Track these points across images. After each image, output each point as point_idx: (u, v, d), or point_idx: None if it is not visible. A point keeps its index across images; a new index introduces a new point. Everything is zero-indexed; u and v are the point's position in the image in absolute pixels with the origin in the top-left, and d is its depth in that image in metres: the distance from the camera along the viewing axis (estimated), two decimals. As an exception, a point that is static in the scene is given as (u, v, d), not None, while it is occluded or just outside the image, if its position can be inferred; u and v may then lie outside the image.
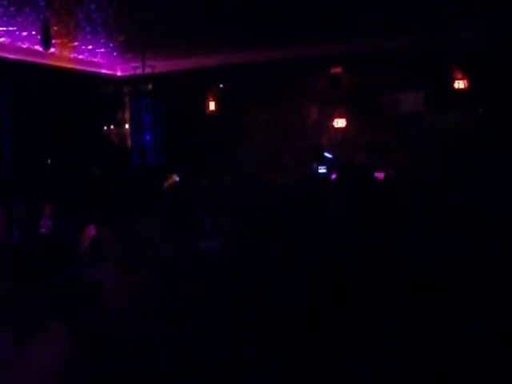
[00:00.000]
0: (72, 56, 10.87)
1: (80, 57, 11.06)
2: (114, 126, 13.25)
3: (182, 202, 8.26)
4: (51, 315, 3.35)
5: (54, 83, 10.58)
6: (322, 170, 12.76)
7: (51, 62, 10.38)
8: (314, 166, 12.99)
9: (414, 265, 4.66)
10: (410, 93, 12.81)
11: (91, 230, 6.04)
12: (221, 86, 13.78)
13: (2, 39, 9.20)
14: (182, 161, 12.56)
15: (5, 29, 8.57)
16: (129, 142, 13.68)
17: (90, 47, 10.37)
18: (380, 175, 9.91)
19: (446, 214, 5.63)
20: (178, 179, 10.45)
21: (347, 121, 13.42)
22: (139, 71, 11.59)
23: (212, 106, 13.86)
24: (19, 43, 9.50)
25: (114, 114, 13.23)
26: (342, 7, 8.50)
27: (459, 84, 11.55)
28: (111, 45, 10.29)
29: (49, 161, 10.41)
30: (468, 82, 11.45)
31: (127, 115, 13.66)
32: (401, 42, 10.63)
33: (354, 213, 6.27)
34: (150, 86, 13.27)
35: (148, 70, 11.53)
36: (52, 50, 9.06)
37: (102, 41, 9.92)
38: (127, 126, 13.66)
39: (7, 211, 7.47)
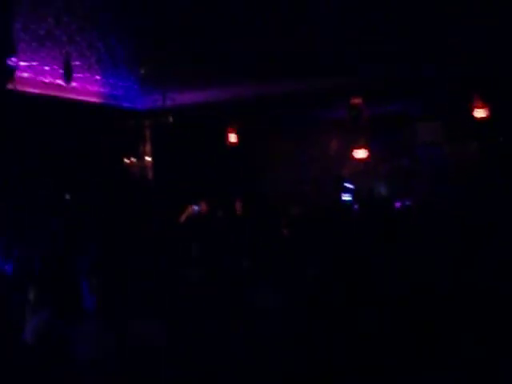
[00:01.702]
0: (93, 89, 11.03)
1: (101, 90, 11.20)
2: (135, 159, 13.35)
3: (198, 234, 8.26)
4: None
5: (74, 116, 10.69)
6: (347, 197, 12.77)
7: (72, 95, 10.51)
8: (338, 195, 12.97)
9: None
10: (428, 123, 12.81)
11: None
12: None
13: (24, 74, 9.36)
14: (201, 192, 12.58)
15: (27, 63, 8.74)
16: (150, 174, 13.77)
17: (111, 81, 10.52)
18: (398, 204, 9.90)
19: (462, 243, 5.60)
20: (196, 209, 10.49)
21: (368, 151, 13.41)
22: (160, 104, 11.68)
23: (233, 138, 13.95)
24: (41, 77, 9.66)
25: (134, 146, 13.34)
26: (362, 40, 8.56)
27: (479, 113, 11.46)
28: (132, 78, 10.43)
29: (68, 195, 10.46)
30: (488, 110, 11.37)
31: (148, 148, 13.76)
32: (420, 73, 10.63)
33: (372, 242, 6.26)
34: (170, 119, 13.37)
35: (169, 103, 11.61)
36: (73, 83, 9.19)
37: (123, 74, 10.07)
38: (148, 158, 13.75)
39: None
